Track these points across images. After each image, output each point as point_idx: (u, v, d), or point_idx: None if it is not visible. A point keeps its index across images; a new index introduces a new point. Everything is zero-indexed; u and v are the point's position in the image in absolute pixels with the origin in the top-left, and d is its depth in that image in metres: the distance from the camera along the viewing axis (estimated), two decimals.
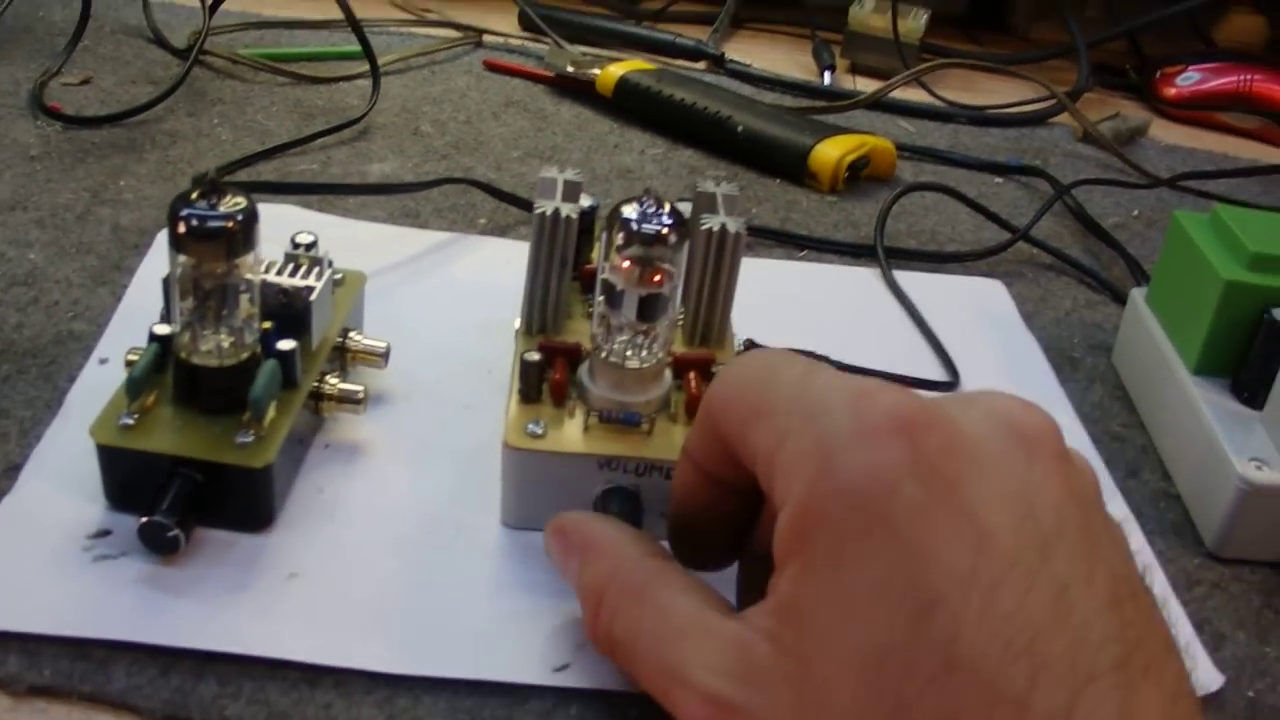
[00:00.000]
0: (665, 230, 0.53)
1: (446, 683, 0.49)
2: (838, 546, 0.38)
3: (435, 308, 0.73)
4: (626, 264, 0.53)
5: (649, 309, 0.54)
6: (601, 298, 0.55)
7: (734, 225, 0.59)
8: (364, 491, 0.58)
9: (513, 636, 0.51)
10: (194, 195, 0.51)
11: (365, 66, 1.03)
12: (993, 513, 0.37)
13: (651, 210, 0.53)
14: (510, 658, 0.50)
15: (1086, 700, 0.34)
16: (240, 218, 0.51)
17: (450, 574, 0.54)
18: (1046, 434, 0.40)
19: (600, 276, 0.54)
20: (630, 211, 0.53)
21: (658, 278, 0.53)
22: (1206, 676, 0.54)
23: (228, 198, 0.51)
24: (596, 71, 1.08)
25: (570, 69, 1.10)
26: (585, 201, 0.62)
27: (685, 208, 0.62)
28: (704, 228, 0.59)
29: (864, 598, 0.37)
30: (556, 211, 0.58)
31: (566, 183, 0.61)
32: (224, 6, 1.12)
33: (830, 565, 0.38)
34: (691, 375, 0.57)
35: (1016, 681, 0.34)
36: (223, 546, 0.53)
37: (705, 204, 0.62)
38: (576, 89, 1.11)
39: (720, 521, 0.48)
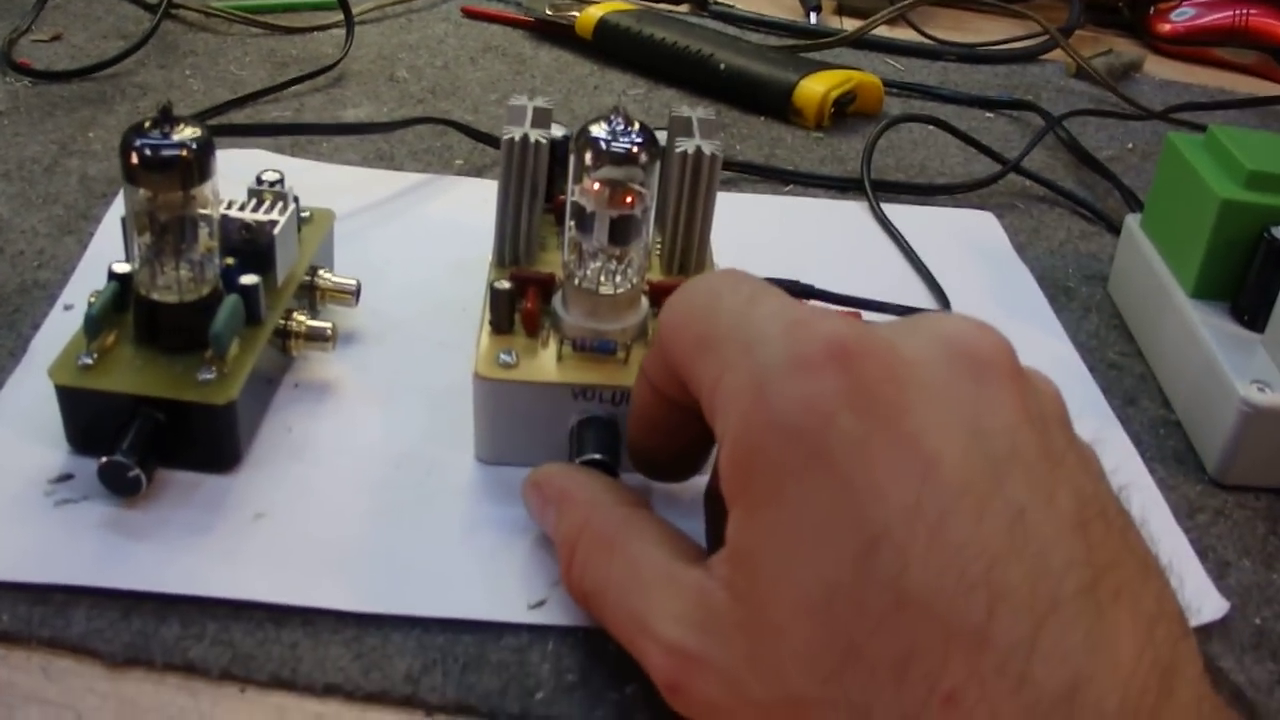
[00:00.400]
0: (635, 149, 0.51)
1: (417, 621, 0.47)
2: (776, 485, 0.37)
3: (409, 247, 0.71)
4: (596, 185, 0.51)
5: (621, 232, 0.52)
6: (572, 222, 0.53)
7: (709, 148, 0.58)
8: (334, 430, 0.56)
9: (486, 574, 0.49)
10: (147, 125, 0.49)
11: (340, 16, 1.02)
12: (938, 439, 0.35)
13: (621, 129, 0.51)
14: (484, 595, 0.48)
15: (1051, 628, 0.32)
16: (194, 146, 0.50)
17: (422, 512, 0.52)
18: (998, 355, 0.39)
19: (570, 199, 0.53)
20: (599, 130, 0.51)
21: (629, 199, 0.51)
22: (1212, 604, 0.53)
23: (181, 127, 0.50)
24: (575, 14, 1.07)
25: (549, 12, 1.09)
26: (558, 131, 0.61)
27: (661, 136, 0.60)
28: (679, 151, 0.57)
29: (806, 538, 0.36)
30: (525, 137, 0.57)
31: (536, 109, 0.60)
32: None
33: (770, 506, 0.37)
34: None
35: (973, 613, 0.33)
36: (187, 488, 0.52)
37: (681, 128, 0.60)
38: (556, 33, 1.10)
39: (679, 439, 0.47)
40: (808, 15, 1.25)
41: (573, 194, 0.53)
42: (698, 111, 0.61)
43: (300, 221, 0.60)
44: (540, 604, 0.48)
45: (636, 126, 0.52)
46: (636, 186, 0.51)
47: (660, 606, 0.40)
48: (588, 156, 0.51)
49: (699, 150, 0.57)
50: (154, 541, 0.49)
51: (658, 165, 0.52)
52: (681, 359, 0.42)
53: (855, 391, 0.36)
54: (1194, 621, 0.50)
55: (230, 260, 0.55)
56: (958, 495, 0.34)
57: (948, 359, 0.38)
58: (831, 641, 0.34)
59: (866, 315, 0.64)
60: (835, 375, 0.36)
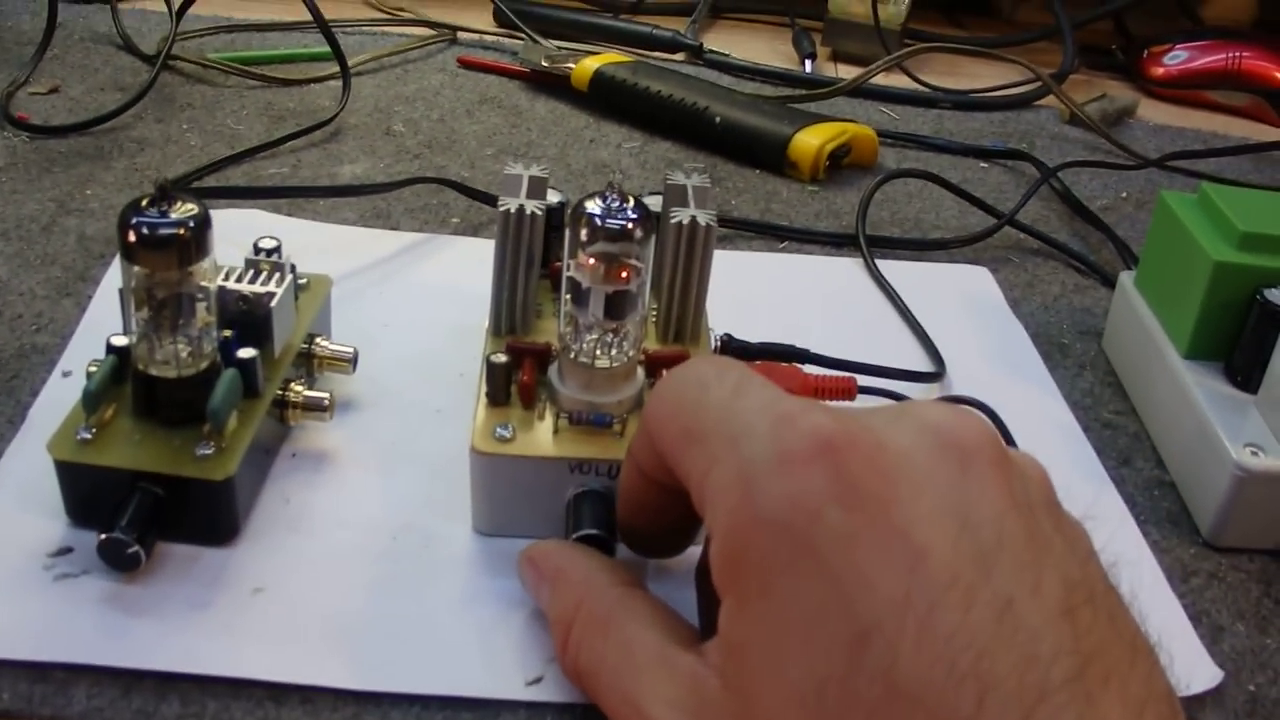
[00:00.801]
0: (630, 225, 0.51)
1: (416, 698, 0.47)
2: (766, 580, 0.37)
3: (405, 311, 0.72)
4: (591, 261, 0.52)
5: (616, 307, 0.52)
6: (568, 296, 0.53)
7: (704, 218, 0.58)
8: (331, 501, 0.56)
9: (484, 649, 0.50)
10: (144, 203, 0.50)
11: (337, 68, 1.02)
12: (926, 531, 0.36)
13: (616, 205, 0.52)
14: (482, 672, 0.49)
15: (1040, 717, 0.33)
16: (192, 224, 0.50)
17: (419, 585, 0.52)
18: (982, 442, 0.39)
19: (565, 274, 0.53)
20: (593, 207, 0.52)
21: (624, 274, 0.52)
22: (1205, 673, 0.53)
23: (179, 204, 0.50)
24: (572, 65, 1.07)
25: (545, 64, 1.09)
26: (553, 197, 0.61)
27: (656, 201, 0.60)
28: (674, 221, 0.58)
29: (797, 632, 0.36)
30: (521, 209, 0.57)
31: (532, 179, 0.60)
32: (194, 11, 1.11)
33: (761, 599, 0.37)
34: (664, 373, 0.55)
35: (963, 706, 0.33)
36: (186, 561, 0.52)
37: (676, 197, 0.60)
38: (552, 84, 1.10)
39: (668, 517, 0.47)
40: (803, 63, 1.25)
41: (568, 269, 0.53)
42: (693, 180, 0.61)
43: (298, 290, 0.61)
44: (537, 680, 0.48)
45: (631, 202, 0.52)
46: (631, 261, 0.52)
47: (653, 690, 0.41)
48: (583, 233, 0.51)
49: (694, 220, 0.58)
50: (153, 618, 0.49)
51: (652, 240, 0.53)
52: (669, 450, 0.43)
53: (842, 486, 0.36)
54: (1188, 692, 0.50)
55: (228, 332, 0.55)
56: (946, 587, 0.34)
57: (933, 449, 0.38)
58: None
59: (861, 380, 0.64)
60: (821, 470, 0.37)
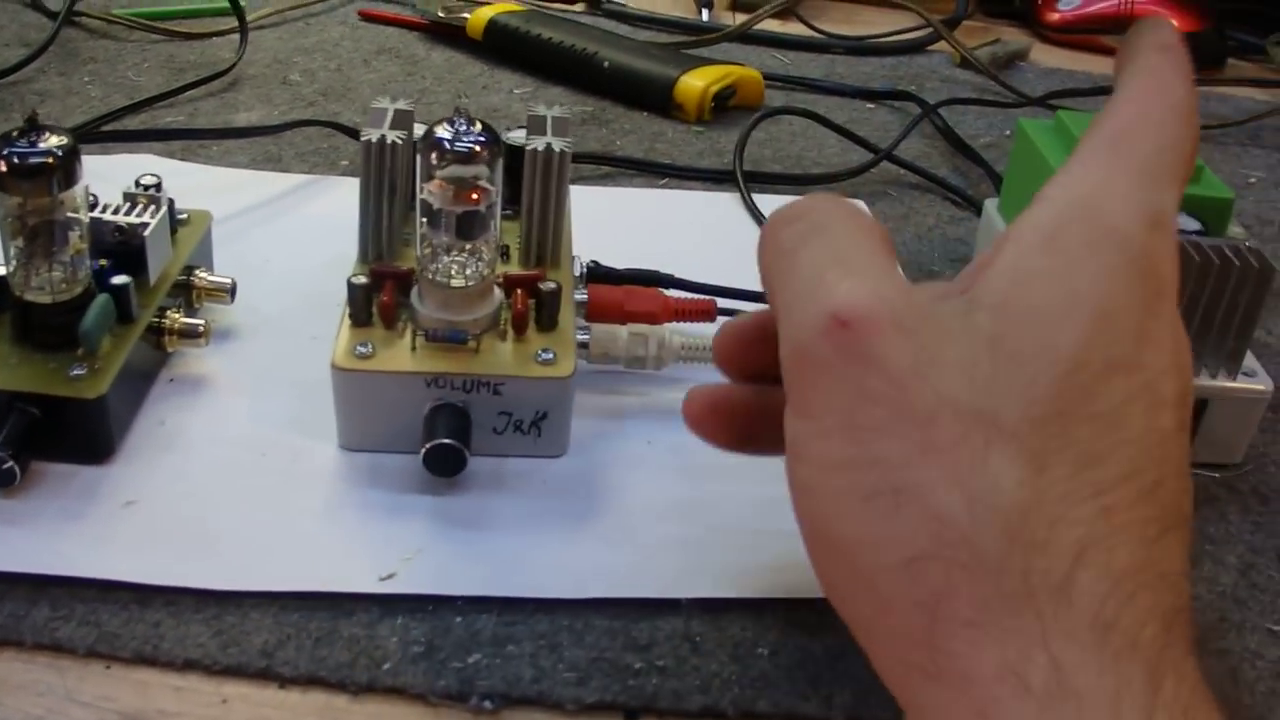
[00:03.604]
0: (478, 148, 0.54)
1: (275, 598, 0.50)
2: (1079, 257, 0.37)
3: (288, 246, 0.74)
4: (442, 184, 0.54)
5: (467, 227, 0.55)
6: (423, 218, 0.55)
7: (559, 144, 0.60)
8: (205, 422, 0.59)
9: (341, 551, 0.52)
10: (14, 134, 0.52)
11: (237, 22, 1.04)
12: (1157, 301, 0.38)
13: (464, 129, 0.54)
14: (337, 569, 0.51)
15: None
16: (60, 153, 0.52)
17: (284, 496, 0.55)
18: None
19: (419, 197, 0.55)
20: (443, 131, 0.54)
21: (474, 196, 0.54)
22: None
23: (47, 135, 0.52)
24: (467, 15, 1.09)
25: (441, 14, 1.11)
26: (420, 130, 0.63)
27: (521, 135, 0.63)
28: (530, 148, 0.60)
29: (1089, 311, 0.36)
30: (383, 139, 0.59)
31: (398, 111, 0.62)
32: None
33: (1069, 264, 0.37)
34: (518, 293, 0.58)
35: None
36: (62, 478, 0.54)
37: (537, 127, 0.63)
38: (448, 34, 1.12)
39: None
40: (700, 11, 1.27)
41: (421, 192, 0.55)
42: (554, 110, 0.63)
43: (177, 223, 0.63)
44: (390, 577, 0.50)
45: (479, 126, 0.54)
46: (481, 183, 0.54)
47: (882, 267, 0.38)
48: (433, 156, 0.54)
49: (549, 147, 0.60)
50: (26, 528, 0.51)
51: (500, 162, 0.55)
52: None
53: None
54: None
55: (104, 262, 0.57)
56: (1160, 345, 0.37)
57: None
58: (1058, 398, 0.35)
59: (722, 302, 0.66)
60: None
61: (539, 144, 0.60)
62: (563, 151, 0.60)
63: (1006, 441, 0.34)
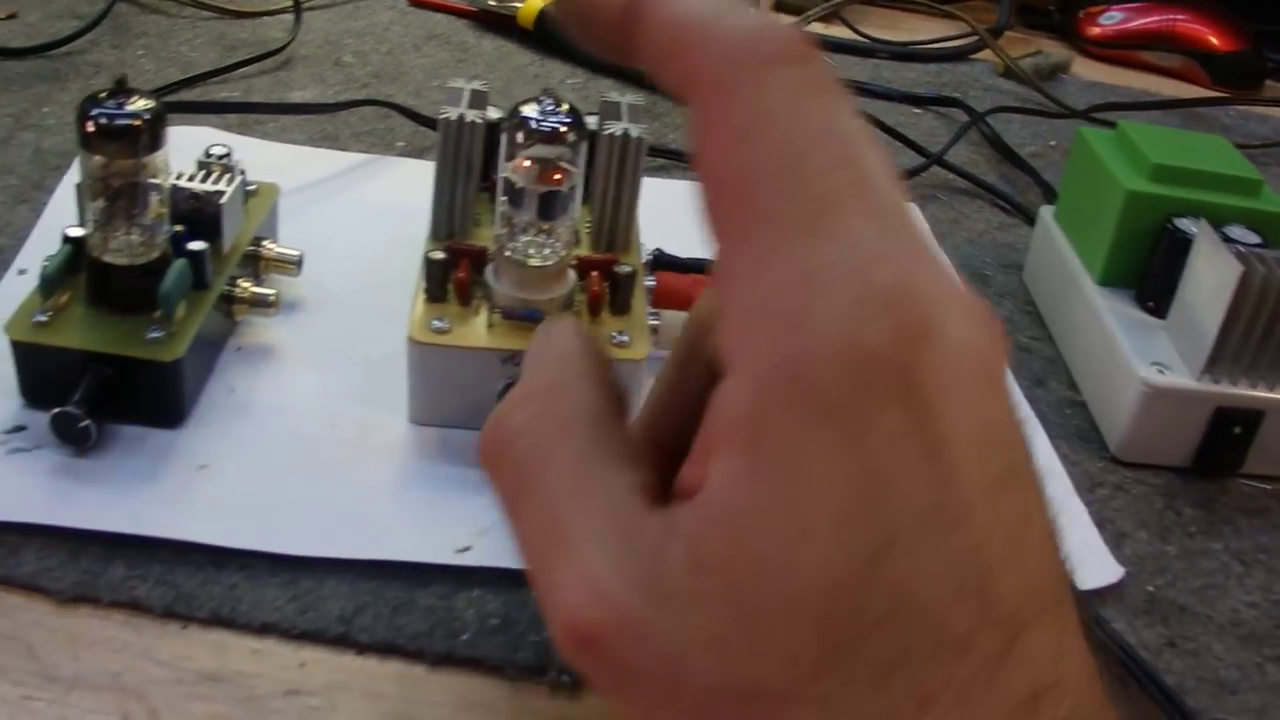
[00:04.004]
0: (563, 128, 0.54)
1: (350, 565, 0.50)
2: (798, 455, 0.32)
3: (350, 224, 0.74)
4: (527, 162, 0.54)
5: (549, 207, 0.55)
6: (504, 197, 0.56)
7: (636, 130, 0.61)
8: (274, 391, 0.59)
9: (416, 521, 0.52)
10: (102, 95, 0.52)
11: (289, 1, 1.04)
12: (962, 448, 0.33)
13: (550, 109, 0.54)
14: (412, 541, 0.51)
15: (1021, 643, 0.33)
16: (147, 116, 0.52)
17: (356, 467, 0.55)
18: (1002, 364, 0.36)
19: (501, 175, 0.56)
20: (530, 110, 0.55)
21: (557, 176, 0.54)
22: (1108, 570, 0.56)
23: (135, 99, 0.53)
24: (518, 5, 1.09)
25: (492, 3, 1.12)
26: (494, 113, 0.63)
27: (594, 121, 0.63)
28: (607, 133, 0.60)
29: (820, 525, 0.32)
30: (461, 117, 0.60)
31: (473, 92, 0.63)
32: None
33: (785, 477, 0.32)
34: (594, 275, 0.58)
35: (963, 622, 0.32)
36: (135, 441, 0.54)
37: (611, 113, 0.63)
38: (498, 23, 1.12)
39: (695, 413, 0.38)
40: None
41: (504, 170, 0.55)
42: (627, 97, 0.64)
43: (246, 194, 0.63)
44: (466, 549, 0.51)
45: (565, 108, 0.55)
46: (564, 164, 0.54)
47: (599, 534, 0.34)
48: (519, 135, 0.54)
49: (626, 133, 0.60)
50: (102, 487, 0.52)
51: (584, 145, 0.55)
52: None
53: (908, 386, 0.32)
54: (1089, 585, 0.53)
55: (179, 228, 0.57)
56: (970, 505, 0.33)
57: (978, 365, 0.35)
58: (822, 639, 0.32)
59: None
60: (892, 365, 0.32)
61: (615, 129, 0.60)
62: (639, 138, 0.61)
63: (790, 707, 0.32)
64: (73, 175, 0.73)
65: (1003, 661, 0.32)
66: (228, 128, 0.83)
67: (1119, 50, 1.30)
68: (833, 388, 0.31)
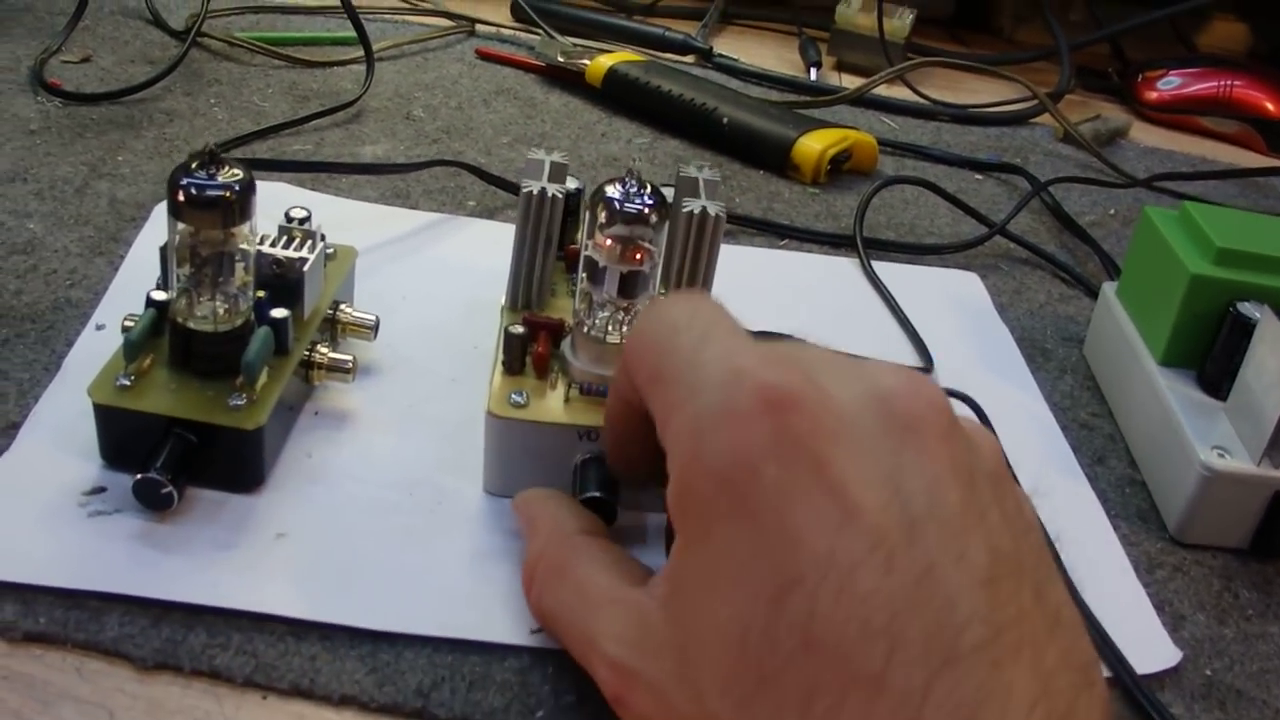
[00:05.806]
0: (646, 209, 0.55)
1: (428, 640, 0.50)
2: (706, 525, 0.40)
3: (423, 285, 0.75)
4: (609, 241, 0.55)
5: (629, 286, 0.56)
6: (584, 274, 0.56)
7: (714, 209, 0.61)
8: (351, 457, 0.59)
9: (492, 599, 0.53)
10: (194, 165, 0.53)
11: (360, 52, 1.06)
12: (858, 493, 0.37)
13: (634, 190, 0.55)
14: (489, 618, 0.52)
15: (944, 680, 0.35)
16: (237, 188, 0.53)
17: (433, 537, 0.55)
18: (930, 411, 0.40)
19: (583, 253, 0.56)
20: (613, 191, 0.55)
21: (638, 255, 0.55)
22: (1165, 654, 0.56)
23: (226, 169, 0.53)
24: (586, 62, 1.10)
25: (560, 59, 1.12)
26: (571, 184, 0.64)
27: (668, 193, 0.64)
28: (685, 210, 0.61)
29: (727, 578, 0.39)
30: (543, 191, 0.60)
31: (553, 164, 0.63)
32: None
33: (700, 543, 0.40)
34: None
35: (873, 660, 0.35)
36: (214, 506, 0.55)
37: (687, 188, 0.63)
38: (566, 79, 1.13)
39: (650, 442, 0.46)
40: (808, 71, 1.29)
41: (586, 248, 0.56)
42: (704, 173, 0.64)
43: (325, 258, 0.64)
44: (540, 630, 0.51)
45: (648, 189, 0.55)
46: (646, 244, 0.55)
47: (605, 626, 0.44)
48: (602, 215, 0.55)
49: (704, 211, 0.61)
50: (182, 555, 0.52)
51: (665, 225, 0.56)
52: (641, 386, 0.46)
53: (781, 444, 0.39)
54: (1147, 669, 0.53)
55: (261, 293, 0.58)
56: (870, 548, 0.36)
57: (879, 414, 0.40)
58: (745, 672, 0.38)
59: None
60: (764, 428, 0.39)
61: (694, 207, 0.61)
62: (718, 215, 0.61)
63: None
64: (150, 229, 0.75)
65: (923, 702, 0.35)
66: (300, 184, 0.84)
67: (1176, 115, 1.31)
68: (717, 463, 0.40)
